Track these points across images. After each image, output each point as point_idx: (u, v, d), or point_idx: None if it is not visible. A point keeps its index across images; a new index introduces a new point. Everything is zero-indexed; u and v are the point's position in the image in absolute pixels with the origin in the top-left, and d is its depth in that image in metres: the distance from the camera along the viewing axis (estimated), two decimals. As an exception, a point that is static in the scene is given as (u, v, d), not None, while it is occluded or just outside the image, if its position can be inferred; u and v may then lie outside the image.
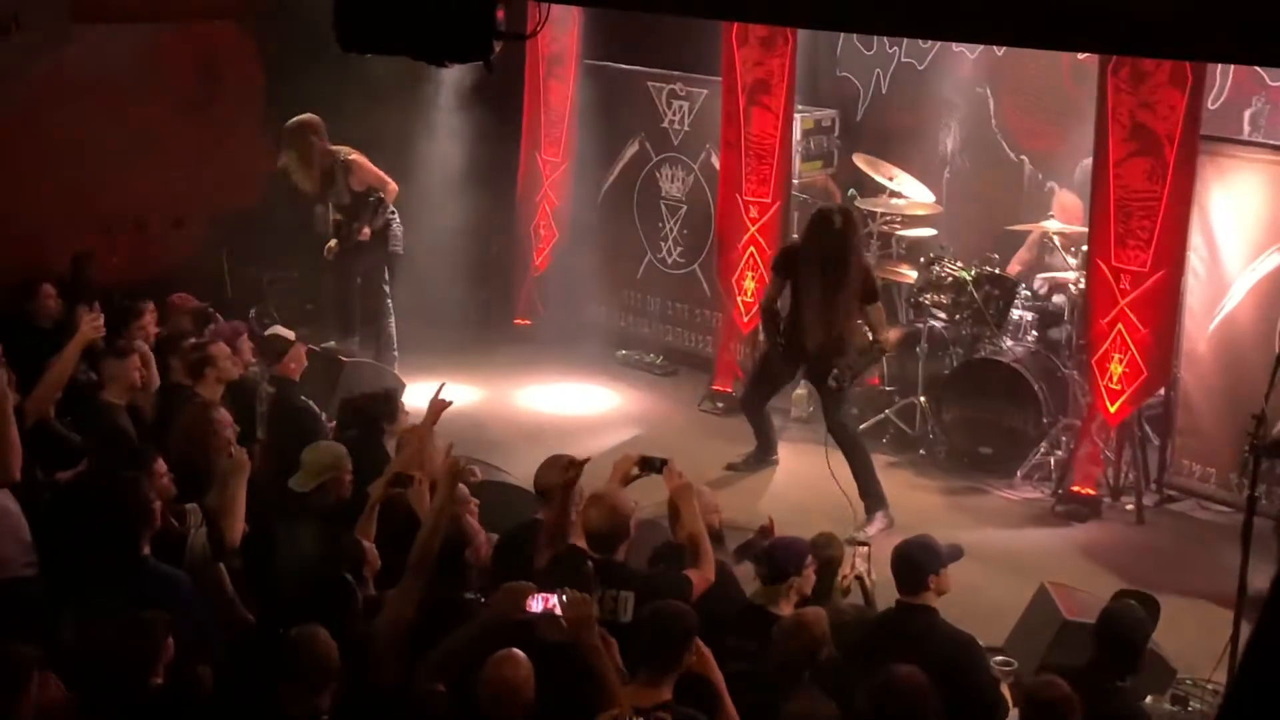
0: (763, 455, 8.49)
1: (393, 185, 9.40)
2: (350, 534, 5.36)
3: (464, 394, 9.62)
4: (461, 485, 5.82)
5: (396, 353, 9.55)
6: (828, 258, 7.51)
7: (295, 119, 9.23)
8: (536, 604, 4.68)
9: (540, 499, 5.71)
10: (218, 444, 5.90)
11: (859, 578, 5.61)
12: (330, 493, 5.70)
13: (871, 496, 7.70)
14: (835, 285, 7.52)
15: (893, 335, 8.79)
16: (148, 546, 4.99)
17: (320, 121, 9.20)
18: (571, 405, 9.53)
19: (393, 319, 9.57)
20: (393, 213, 9.46)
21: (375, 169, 9.35)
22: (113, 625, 4.35)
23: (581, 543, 5.28)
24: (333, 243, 9.42)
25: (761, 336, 8.67)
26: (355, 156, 9.31)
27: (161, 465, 5.60)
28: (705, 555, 5.41)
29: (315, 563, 5.26)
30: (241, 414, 6.54)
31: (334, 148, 9.28)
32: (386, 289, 9.54)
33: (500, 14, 4.78)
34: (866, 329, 7.70)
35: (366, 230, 9.26)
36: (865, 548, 5.76)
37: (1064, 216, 8.67)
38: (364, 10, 4.74)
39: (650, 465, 5.59)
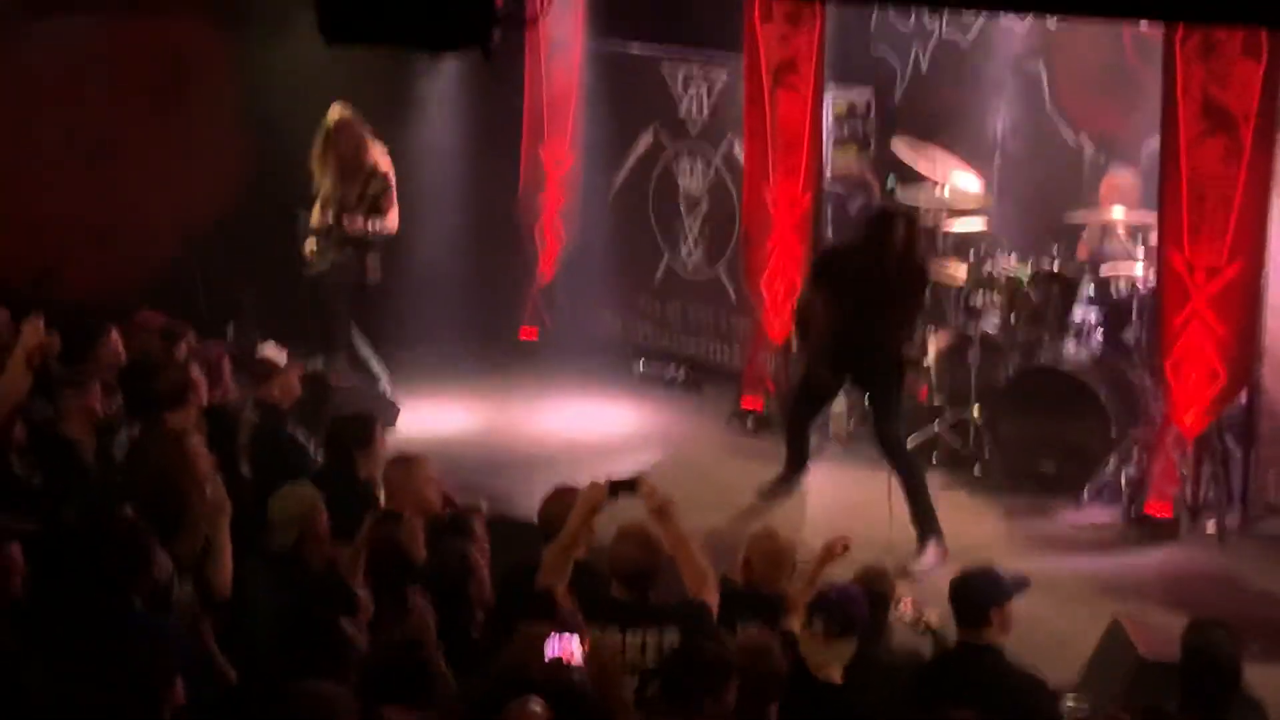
0: (790, 478, 8.45)
1: (395, 220, 9.44)
2: (339, 579, 5.37)
3: (464, 416, 9.67)
4: (477, 524, 5.84)
5: (380, 372, 9.55)
6: (887, 271, 7.52)
7: (343, 111, 9.24)
8: (555, 647, 4.71)
9: (545, 534, 5.71)
10: (192, 480, 5.89)
11: (927, 628, 5.57)
12: (311, 541, 5.70)
13: (924, 523, 7.67)
14: (892, 301, 7.56)
15: (941, 340, 8.81)
16: (140, 599, 5.01)
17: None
18: (584, 426, 9.53)
19: (359, 341, 9.56)
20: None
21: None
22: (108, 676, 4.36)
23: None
24: (313, 241, 9.43)
25: (796, 344, 8.68)
26: (389, 169, 9.34)
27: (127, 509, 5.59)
28: (701, 575, 5.35)
29: (302, 613, 5.26)
30: (221, 446, 6.56)
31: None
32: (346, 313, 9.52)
33: (499, -2, 4.79)
34: None
35: (360, 220, 9.24)
36: (909, 598, 5.73)
37: (1117, 199, 8.62)
38: (348, -2, 4.75)
39: (622, 488, 5.49)
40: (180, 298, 9.44)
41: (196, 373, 6.98)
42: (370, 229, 9.26)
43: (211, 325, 9.29)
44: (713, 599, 5.33)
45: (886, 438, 7.82)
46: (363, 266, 9.37)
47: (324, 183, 9.32)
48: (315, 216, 9.43)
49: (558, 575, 5.31)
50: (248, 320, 9.62)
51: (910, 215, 7.78)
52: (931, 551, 7.56)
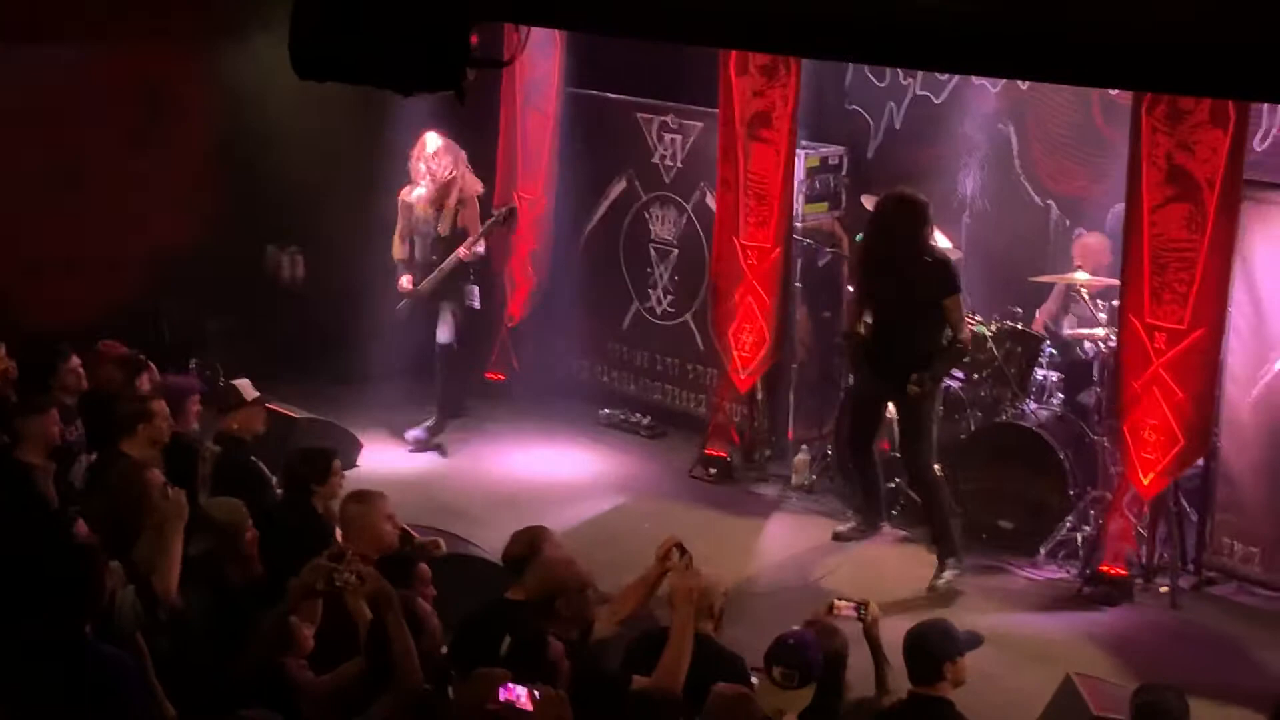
0: (870, 523, 8.47)
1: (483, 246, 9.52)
2: (278, 615, 5.34)
3: (428, 457, 9.66)
4: (423, 565, 5.84)
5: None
6: (894, 254, 7.68)
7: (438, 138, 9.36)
8: (504, 692, 4.71)
9: (511, 574, 5.71)
10: (148, 508, 5.88)
11: (863, 609, 5.53)
12: (226, 554, 5.70)
13: (945, 543, 7.94)
14: (907, 284, 7.70)
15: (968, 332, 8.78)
16: (90, 625, 4.98)
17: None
18: (548, 470, 9.53)
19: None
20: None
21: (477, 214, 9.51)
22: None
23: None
24: (407, 278, 9.46)
25: (849, 366, 8.74)
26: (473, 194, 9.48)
27: (82, 526, 5.56)
28: (672, 666, 5.24)
29: (238, 643, 5.26)
30: (181, 475, 6.55)
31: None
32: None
33: (474, 38, 4.83)
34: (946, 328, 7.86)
35: (480, 247, 9.35)
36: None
37: (1088, 261, 8.72)
38: (323, 34, 4.78)
39: (682, 552, 5.66)
40: (145, 328, 9.43)
41: (158, 404, 6.96)
42: (473, 256, 9.36)
43: (175, 357, 9.26)
44: (666, 690, 5.21)
45: (912, 458, 8.03)
46: (462, 294, 9.47)
47: (427, 210, 9.37)
48: (396, 248, 9.49)
49: (622, 610, 5.69)
50: (211, 353, 9.60)
51: (904, 199, 7.89)
52: (949, 572, 7.87)
